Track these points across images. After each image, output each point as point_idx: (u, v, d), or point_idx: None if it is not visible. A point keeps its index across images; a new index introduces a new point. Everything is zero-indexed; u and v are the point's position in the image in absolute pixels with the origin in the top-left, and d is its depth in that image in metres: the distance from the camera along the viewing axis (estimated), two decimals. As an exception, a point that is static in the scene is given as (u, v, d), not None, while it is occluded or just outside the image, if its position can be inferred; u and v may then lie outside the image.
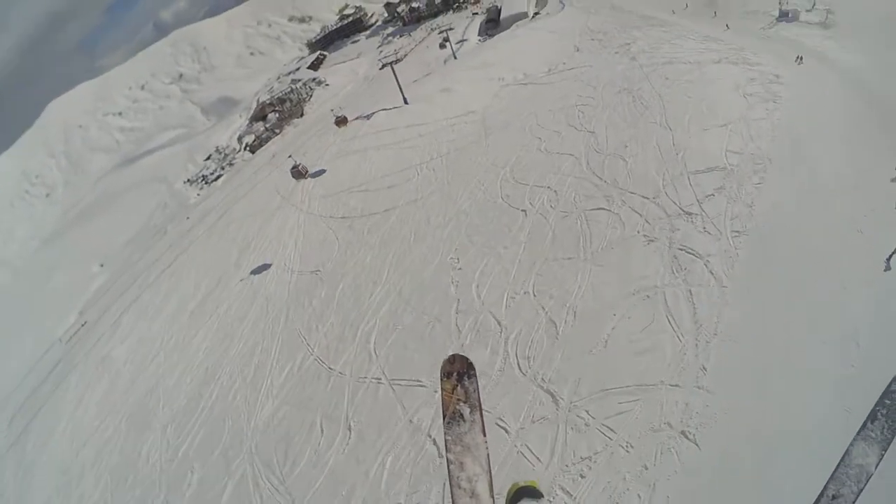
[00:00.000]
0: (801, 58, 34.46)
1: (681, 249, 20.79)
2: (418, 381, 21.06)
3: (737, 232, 20.83)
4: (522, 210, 26.96)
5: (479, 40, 73.75)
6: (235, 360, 29.65)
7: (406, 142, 40.88)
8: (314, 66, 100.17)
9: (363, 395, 22.14)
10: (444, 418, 2.86)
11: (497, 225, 26.97)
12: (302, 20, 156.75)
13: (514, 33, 62.14)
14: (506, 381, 19.04)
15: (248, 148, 79.85)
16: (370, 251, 30.79)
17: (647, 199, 23.89)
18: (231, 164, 79.53)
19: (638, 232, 22.41)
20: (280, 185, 44.75)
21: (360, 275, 29.35)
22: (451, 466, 2.68)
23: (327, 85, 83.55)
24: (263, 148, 74.10)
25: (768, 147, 24.70)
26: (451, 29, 66.21)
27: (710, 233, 21.03)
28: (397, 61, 47.26)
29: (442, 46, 62.97)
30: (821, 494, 2.33)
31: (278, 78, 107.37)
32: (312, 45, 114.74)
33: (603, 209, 24.46)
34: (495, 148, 34.37)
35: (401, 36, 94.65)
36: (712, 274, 19.57)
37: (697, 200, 22.59)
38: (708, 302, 18.72)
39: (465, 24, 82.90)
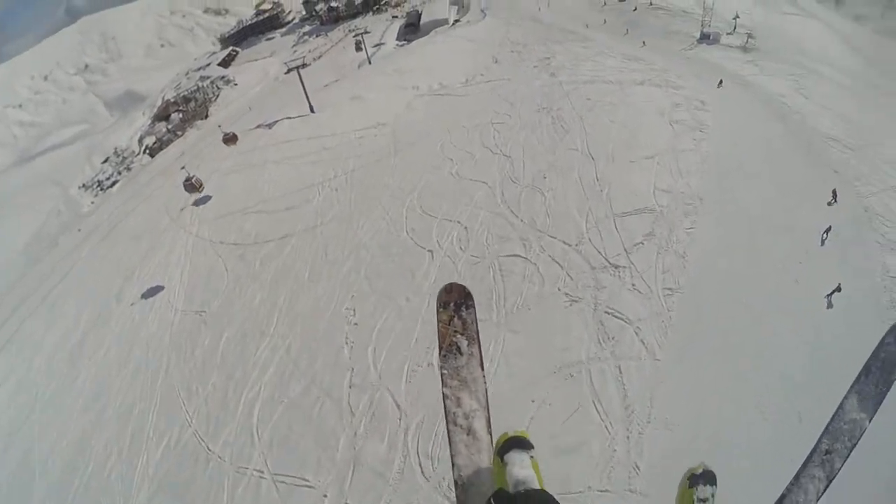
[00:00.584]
0: (722, 81, 32.68)
1: (607, 313, 17.49)
2: (305, 479, 16.48)
3: (669, 290, 17.86)
4: (429, 250, 22.84)
5: (398, 45, 69.51)
6: (112, 423, 23.80)
7: (309, 156, 36.10)
8: (225, 62, 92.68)
9: (244, 490, 17.30)
10: (440, 351, 2.58)
11: (400, 267, 22.70)
12: (218, 13, 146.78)
13: (433, 39, 58.19)
14: (405, 489, 14.91)
15: (147, 151, 72.26)
16: (261, 289, 25.80)
17: (569, 245, 20.49)
18: (128, 169, 71.67)
19: (559, 289, 18.93)
20: (171, 200, 38.57)
21: (248, 321, 24.28)
22: (447, 402, 2.46)
23: (235, 84, 76.93)
24: (163, 152, 66.71)
25: (698, 184, 22.08)
26: (367, 32, 61.46)
27: (639, 291, 17.85)
28: (304, 65, 42.20)
29: (357, 49, 58.02)
30: (814, 450, 2.23)
31: (187, 73, 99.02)
32: (225, 41, 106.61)
33: (519, 256, 20.77)
34: (404, 168, 30.22)
35: (317, 36, 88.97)
36: (643, 344, 16.45)
37: (625, 250, 19.44)
38: (639, 379, 15.65)
39: (384, 27, 78.43)
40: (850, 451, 2.18)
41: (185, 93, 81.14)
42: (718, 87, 33.10)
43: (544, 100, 32.88)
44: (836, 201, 21.61)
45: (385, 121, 38.30)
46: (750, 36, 42.02)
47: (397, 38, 72.28)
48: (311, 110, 41.51)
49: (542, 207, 22.75)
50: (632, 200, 21.50)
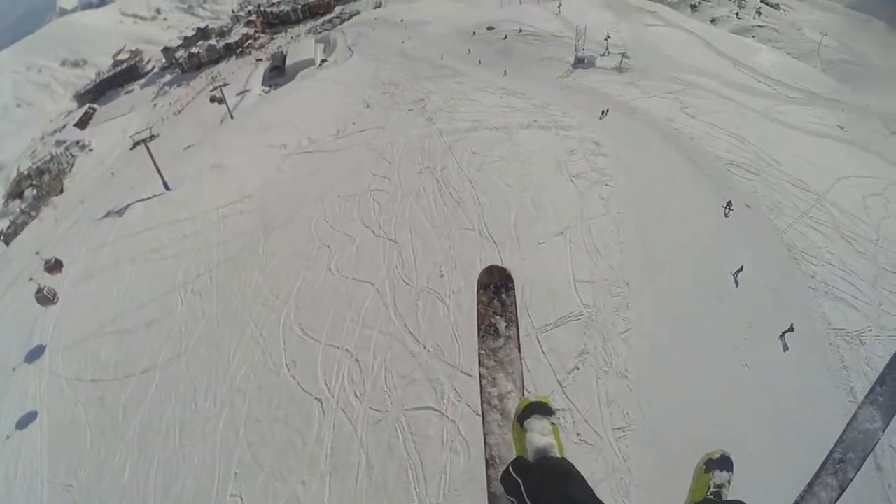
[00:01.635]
0: (606, 111, 30.24)
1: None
2: None
3: (620, 430, 13.87)
4: (317, 398, 17.30)
5: (263, 90, 63.51)
6: None
7: (168, 247, 29.96)
8: (82, 122, 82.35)
9: None
10: (478, 331, 2.59)
11: (286, 427, 16.87)
12: (76, 64, 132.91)
13: (300, 85, 52.78)
14: None
15: (2, 238, 61.83)
16: (129, 454, 18.98)
17: (486, 382, 16.23)
18: None
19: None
20: (22, 318, 30.79)
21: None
22: (483, 382, 2.45)
23: (91, 150, 67.68)
24: (18, 239, 56.41)
25: (620, 262, 18.57)
26: (225, 84, 54.91)
27: (588, 442, 13.63)
28: (152, 137, 35.71)
29: (214, 100, 51.31)
30: (827, 458, 2.16)
31: (42, 138, 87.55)
32: (81, 97, 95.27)
33: (432, 409, 15.56)
34: (275, 260, 24.72)
35: (178, 85, 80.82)
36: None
37: (559, 383, 15.11)
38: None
39: (248, 71, 71.95)
40: (864, 461, 2.10)
41: (39, 163, 70.65)
42: (602, 117, 30.69)
43: (425, 157, 28.53)
44: (731, 209, 21.19)
45: (251, 191, 32.83)
46: (624, 56, 40.10)
47: (263, 83, 66.23)
48: (167, 187, 35.24)
49: (447, 324, 17.91)
50: (552, 304, 17.27)
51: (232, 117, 50.63)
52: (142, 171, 41.07)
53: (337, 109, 42.90)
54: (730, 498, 2.23)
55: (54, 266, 27.17)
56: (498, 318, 2.54)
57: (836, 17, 63.66)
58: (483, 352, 2.48)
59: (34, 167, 70.73)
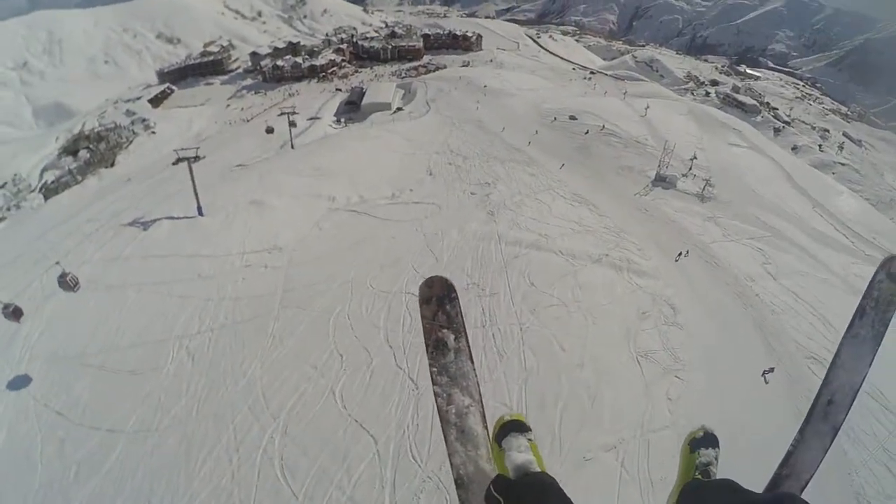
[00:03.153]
0: (686, 253, 27.71)
1: None
2: None
3: None
4: None
5: (334, 121, 61.62)
6: None
7: (179, 283, 26.73)
8: (157, 99, 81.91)
9: None
10: (426, 348, 2.34)
11: None
12: (170, 41, 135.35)
13: (368, 132, 50.25)
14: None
15: (43, 190, 60.19)
16: None
17: None
18: (18, 207, 59.06)
19: None
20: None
21: None
22: (439, 400, 2.25)
23: (153, 132, 66.22)
24: (56, 198, 54.43)
25: None
26: (294, 112, 52.73)
27: None
28: (197, 158, 32.92)
29: (271, 131, 48.87)
30: (814, 403, 2.10)
31: (115, 102, 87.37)
32: (163, 76, 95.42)
33: None
34: (280, 352, 21.01)
35: (256, 93, 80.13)
36: None
37: None
38: None
39: (324, 98, 70.55)
40: (853, 400, 2.05)
41: (101, 129, 69.54)
42: (679, 259, 27.13)
43: (476, 267, 24.94)
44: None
45: (283, 243, 29.64)
46: (708, 183, 36.58)
47: (335, 114, 64.46)
48: (200, 213, 32.31)
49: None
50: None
51: (293, 146, 48.19)
52: (179, 186, 38.04)
53: (399, 169, 40.04)
54: (718, 476, 2.08)
55: (13, 314, 23.87)
56: (445, 331, 2.27)
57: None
58: (434, 369, 2.22)
59: (95, 131, 69.61)
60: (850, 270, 29.45)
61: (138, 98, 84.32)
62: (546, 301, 21.94)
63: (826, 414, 2.04)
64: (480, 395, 2.28)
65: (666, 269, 26.19)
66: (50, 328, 24.68)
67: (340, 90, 72.70)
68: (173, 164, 34.45)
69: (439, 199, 34.38)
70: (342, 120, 61.24)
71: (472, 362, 2.33)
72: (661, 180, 37.39)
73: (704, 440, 2.18)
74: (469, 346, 2.33)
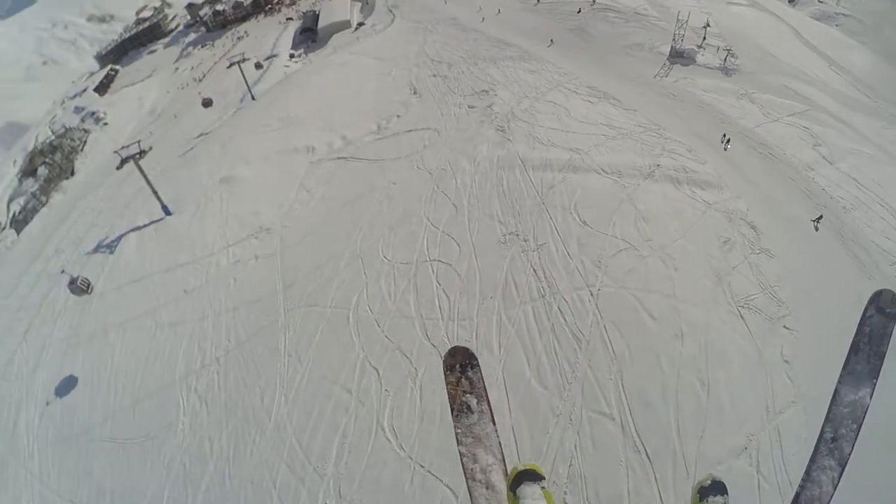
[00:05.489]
0: (728, 140, 22.43)
1: None
2: None
3: None
4: None
5: (293, 55, 54.16)
6: None
7: (165, 308, 22.05)
8: (102, 86, 74.21)
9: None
10: (451, 412, 2.55)
11: None
12: (102, 19, 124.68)
13: (332, 59, 43.23)
14: None
15: (13, 224, 54.92)
16: None
17: None
18: None
19: None
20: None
21: None
22: (465, 459, 2.43)
23: (106, 123, 59.54)
24: (27, 229, 48.64)
25: None
26: (244, 59, 45.39)
27: None
28: (142, 153, 27.15)
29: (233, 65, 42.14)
30: (818, 440, 2.11)
31: (62, 102, 80.00)
32: (102, 58, 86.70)
33: None
34: (302, 376, 16.56)
35: (202, 46, 71.65)
36: None
37: None
38: None
39: (276, 32, 62.33)
40: (858, 433, 2.02)
41: (53, 138, 62.99)
42: (724, 145, 22.31)
43: (507, 208, 19.51)
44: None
45: (269, 222, 24.74)
46: (730, 53, 30.14)
47: (292, 47, 56.74)
48: (166, 211, 27.04)
49: None
50: None
51: (253, 97, 41.64)
52: (138, 188, 32.22)
53: (377, 96, 33.74)
54: None
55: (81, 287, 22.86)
56: (469, 395, 2.46)
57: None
58: (459, 430, 2.41)
59: (48, 142, 63.31)
60: (885, 137, 24.20)
61: (83, 91, 76.75)
62: (610, 245, 16.64)
63: (831, 450, 2.00)
64: (503, 454, 2.34)
65: (725, 171, 20.58)
66: (49, 410, 20.92)
67: (291, 19, 64.13)
68: (118, 168, 28.71)
69: (434, 121, 28.66)
70: (300, 53, 53.69)
71: (494, 423, 2.40)
72: (679, 56, 31.40)
73: (713, 488, 2.10)
74: (491, 410, 2.43)
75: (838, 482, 1.96)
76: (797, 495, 2.01)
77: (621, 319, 14.18)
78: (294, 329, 18.27)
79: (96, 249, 27.18)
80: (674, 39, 31.08)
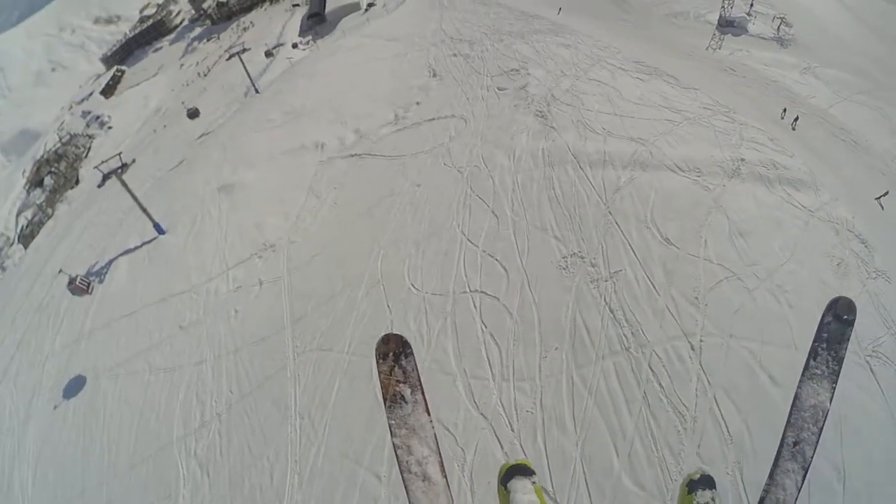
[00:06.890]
0: (796, 119, 19.03)
1: None
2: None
3: None
4: None
5: (300, 42, 50.34)
6: None
7: (158, 349, 18.77)
8: (108, 88, 71.62)
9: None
10: (384, 402, 2.33)
11: None
12: (109, 21, 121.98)
13: (342, 44, 39.23)
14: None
15: (20, 238, 52.61)
16: None
17: None
18: (4, 269, 50.85)
19: None
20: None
21: None
22: (399, 451, 2.25)
23: (110, 127, 56.68)
24: (34, 244, 45.74)
25: None
26: (245, 49, 41.59)
27: None
28: (124, 166, 23.86)
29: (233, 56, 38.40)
30: (781, 445, 2.07)
31: (70, 107, 77.77)
32: (108, 59, 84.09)
33: None
34: (313, 442, 13.00)
35: (208, 39, 68.21)
36: None
37: None
38: None
39: (282, 19, 58.55)
40: (819, 436, 2.05)
41: (58, 146, 60.44)
42: (793, 126, 18.53)
43: (563, 218, 15.46)
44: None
45: (273, 237, 21.24)
46: (784, 22, 25.71)
47: (300, 34, 52.93)
48: (159, 230, 23.66)
49: None
50: None
51: (257, 91, 38.00)
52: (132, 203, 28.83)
53: (392, 81, 29.86)
54: None
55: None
56: (402, 385, 2.28)
57: None
58: (393, 422, 2.24)
59: (53, 150, 60.74)
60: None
61: (90, 94, 74.28)
62: (706, 273, 12.46)
63: (794, 454, 2.01)
64: (438, 445, 2.22)
65: (813, 164, 16.14)
66: (41, 469, 18.00)
67: (298, 5, 60.25)
68: (98, 186, 25.54)
69: (459, 107, 24.74)
70: (308, 40, 49.79)
71: (429, 414, 2.26)
72: (729, 25, 27.41)
73: (701, 482, 2.06)
74: (425, 400, 2.28)
75: (801, 485, 1.91)
76: (762, 500, 1.94)
77: (734, 385, 10.27)
78: (305, 381, 14.74)
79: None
80: (722, 6, 26.78)
